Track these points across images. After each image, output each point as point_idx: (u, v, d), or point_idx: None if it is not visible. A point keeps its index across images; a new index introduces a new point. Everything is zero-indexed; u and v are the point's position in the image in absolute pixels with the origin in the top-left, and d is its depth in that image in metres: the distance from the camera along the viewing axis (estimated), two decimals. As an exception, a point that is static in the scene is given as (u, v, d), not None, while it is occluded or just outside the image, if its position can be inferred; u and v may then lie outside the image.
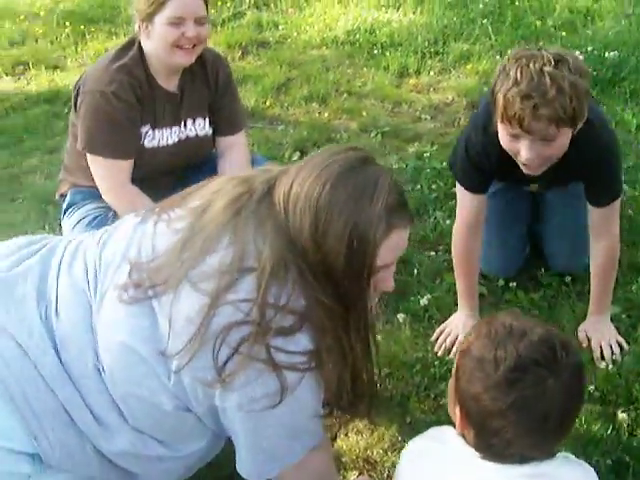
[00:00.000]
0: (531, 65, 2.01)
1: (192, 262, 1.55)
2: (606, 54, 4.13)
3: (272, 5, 5.34)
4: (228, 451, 1.69)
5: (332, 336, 1.56)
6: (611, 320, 2.55)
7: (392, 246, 1.57)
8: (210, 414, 1.60)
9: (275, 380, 1.50)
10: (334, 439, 2.24)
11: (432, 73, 4.32)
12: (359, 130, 3.88)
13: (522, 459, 1.42)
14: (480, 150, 2.34)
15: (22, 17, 5.42)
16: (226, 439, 1.69)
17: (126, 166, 2.63)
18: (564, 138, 2.11)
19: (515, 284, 2.74)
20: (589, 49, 4.21)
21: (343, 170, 1.53)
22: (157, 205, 1.79)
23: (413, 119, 3.95)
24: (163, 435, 1.63)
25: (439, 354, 2.50)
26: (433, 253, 2.95)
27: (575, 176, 2.39)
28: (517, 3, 4.92)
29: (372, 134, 3.82)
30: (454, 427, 1.51)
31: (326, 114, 4.05)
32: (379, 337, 2.51)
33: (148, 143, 2.67)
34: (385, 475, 2.13)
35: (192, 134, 2.76)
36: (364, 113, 4.01)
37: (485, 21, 4.71)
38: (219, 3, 5.25)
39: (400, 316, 2.65)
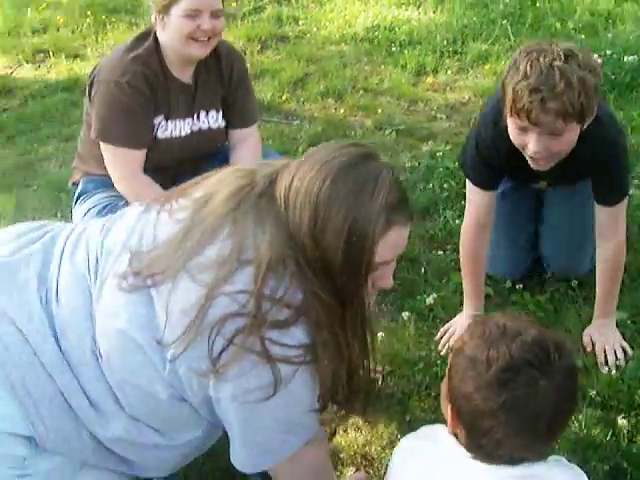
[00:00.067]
0: (541, 59, 2.03)
1: (191, 253, 1.55)
2: (625, 58, 4.10)
3: (293, 0, 5.35)
4: (225, 442, 1.70)
5: (328, 331, 1.56)
6: (617, 325, 2.54)
7: (391, 243, 1.56)
8: (205, 405, 1.61)
9: (269, 372, 1.51)
10: (333, 435, 2.25)
11: (449, 72, 4.31)
12: (374, 127, 3.88)
13: (512, 460, 1.42)
14: (490, 144, 2.35)
15: (44, 5, 5.47)
16: (223, 430, 1.70)
17: (139, 156, 2.64)
18: (572, 133, 2.12)
19: (522, 286, 2.74)
20: (608, 53, 4.17)
21: (344, 166, 1.53)
22: (162, 195, 1.81)
23: (428, 118, 3.95)
24: (158, 423, 1.64)
25: (442, 353, 2.50)
26: (441, 252, 2.95)
27: (583, 173, 2.39)
28: (538, 4, 4.90)
29: (387, 132, 3.82)
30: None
31: (342, 110, 4.05)
32: (382, 334, 2.54)
33: (161, 134, 2.68)
34: (382, 472, 2.13)
35: (205, 126, 2.77)
36: (380, 110, 4.01)
37: (505, 22, 4.69)
38: (240, -4, 5.28)
39: (405, 314, 2.66)
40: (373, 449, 2.21)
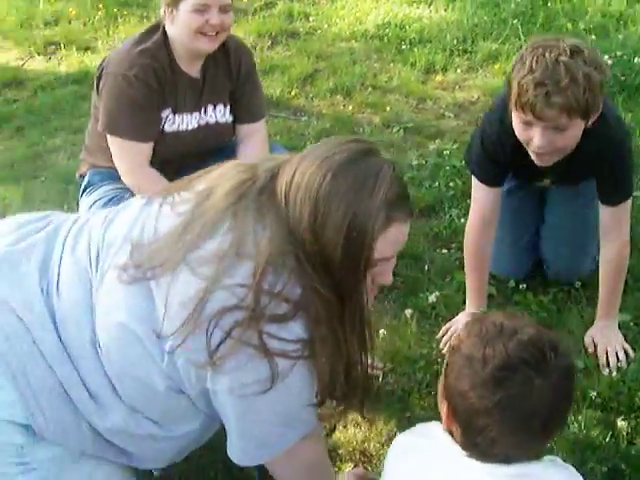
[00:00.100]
0: (547, 54, 2.05)
1: (191, 246, 1.56)
2: (635, 60, 4.08)
3: (304, -4, 5.36)
4: (223, 434, 1.70)
5: (327, 326, 1.56)
6: (619, 327, 2.54)
7: (391, 239, 1.57)
8: (203, 397, 1.61)
9: (266, 366, 1.51)
10: (332, 431, 2.26)
11: (459, 71, 4.30)
12: (382, 125, 3.88)
13: (507, 459, 1.42)
14: (495, 140, 2.36)
15: (57, -2, 5.49)
16: (221, 423, 1.70)
17: (145, 149, 2.65)
18: (576, 129, 2.13)
19: (525, 286, 2.73)
20: (618, 54, 4.16)
21: (344, 161, 1.53)
22: (164, 187, 1.82)
23: (437, 116, 3.95)
24: (156, 415, 1.65)
25: (444, 352, 2.50)
26: (445, 251, 2.95)
27: (587, 172, 2.40)
28: (549, 4, 4.89)
29: (395, 129, 3.82)
30: (445, 424, 1.52)
31: (350, 107, 4.05)
32: (384, 331, 2.55)
33: (168, 127, 2.69)
34: (380, 468, 2.11)
35: (212, 120, 2.78)
36: (388, 108, 4.01)
37: (516, 21, 4.67)
38: (252, -8, 5.28)
39: (407, 312, 2.66)
40: (372, 446, 2.21)
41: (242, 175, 1.63)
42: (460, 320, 2.57)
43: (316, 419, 1.75)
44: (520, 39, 4.51)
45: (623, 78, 3.93)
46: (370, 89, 4.20)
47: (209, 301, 1.50)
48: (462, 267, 2.66)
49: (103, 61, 2.71)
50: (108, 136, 2.65)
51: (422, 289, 2.77)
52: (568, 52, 2.04)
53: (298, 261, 1.53)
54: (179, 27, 2.58)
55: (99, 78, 2.68)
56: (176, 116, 2.69)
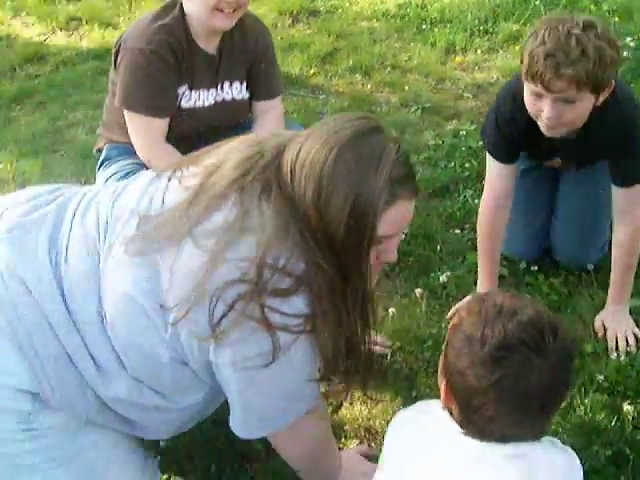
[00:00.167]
0: (560, 27, 2.07)
1: (197, 219, 1.58)
2: (657, 43, 4.05)
3: (327, -26, 5.32)
4: (227, 408, 1.73)
5: (329, 302, 1.57)
6: (630, 312, 2.53)
7: (395, 217, 1.57)
8: (206, 369, 1.63)
9: (268, 340, 1.53)
10: (339, 408, 2.27)
11: (479, 52, 4.27)
12: (400, 104, 3.87)
13: (504, 438, 1.43)
14: (508, 117, 2.37)
15: (80, -27, 5.50)
16: (224, 396, 1.72)
17: (161, 124, 2.66)
18: (585, 103, 2.14)
19: (537, 268, 2.73)
20: (640, 36, 4.12)
21: (350, 139, 1.54)
22: (174, 162, 1.83)
23: (455, 96, 3.93)
24: (160, 386, 1.67)
25: (453, 332, 2.51)
26: (459, 231, 2.95)
27: (598, 152, 2.39)
28: (573, -15, 4.82)
29: (412, 109, 3.81)
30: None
31: (369, 86, 4.04)
32: (393, 310, 2.56)
33: (185, 103, 2.70)
34: (384, 446, 2.16)
35: (229, 97, 2.78)
36: (406, 87, 4.00)
37: (538, 2, 4.60)
38: (274, -31, 5.25)
39: (418, 291, 2.67)
40: (377, 423, 2.23)
41: (249, 150, 1.64)
42: (470, 301, 2.57)
43: (319, 395, 1.77)
44: (542, 20, 4.45)
45: (644, 63, 3.88)
46: (389, 68, 4.19)
47: (212, 274, 1.52)
48: (474, 248, 2.67)
49: (121, 36, 2.72)
50: (125, 111, 2.66)
51: (434, 269, 2.77)
52: (581, 26, 2.06)
53: (302, 237, 1.54)
54: (196, 3, 2.58)
55: (117, 53, 2.69)
56: (192, 92, 2.70)
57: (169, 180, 1.71)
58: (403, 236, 2.87)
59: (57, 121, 3.91)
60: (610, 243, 2.55)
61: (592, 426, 2.17)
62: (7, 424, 1.61)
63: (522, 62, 2.15)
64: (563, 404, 2.21)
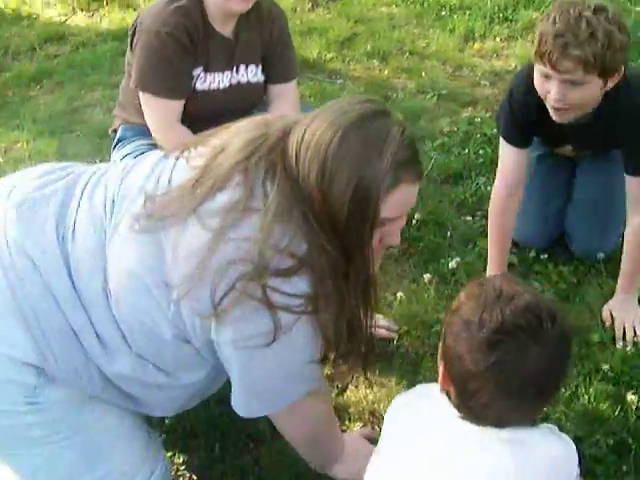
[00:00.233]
0: (571, 10, 2.09)
1: (201, 198, 1.59)
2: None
3: (347, -42, 5.30)
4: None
5: (331, 284, 1.58)
6: (639, 302, 2.52)
7: (398, 200, 1.57)
8: (208, 348, 1.65)
9: (269, 319, 1.54)
10: (344, 390, 2.30)
11: (498, 39, 4.25)
12: (416, 90, 3.86)
13: (500, 423, 1.43)
14: (521, 101, 2.38)
15: (101, -46, 5.51)
16: (227, 375, 1.74)
17: (176, 106, 2.68)
18: (593, 86, 2.14)
19: (546, 256, 2.72)
20: (663, 25, 4.08)
21: (355, 121, 1.54)
22: (183, 142, 1.85)
23: (472, 84, 3.91)
24: (163, 363, 1.69)
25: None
26: (470, 218, 2.95)
27: (610, 139, 2.39)
28: (596, -27, 4.77)
29: (428, 95, 3.80)
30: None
31: (386, 72, 4.04)
32: (402, 294, 2.57)
33: (200, 86, 2.71)
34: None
35: (244, 80, 2.78)
36: (423, 74, 3.99)
37: (559, -10, 4.58)
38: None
39: (427, 276, 2.67)
40: (381, 406, 2.24)
41: (255, 132, 1.65)
42: (479, 287, 2.58)
43: (321, 377, 1.79)
44: (563, 8, 4.42)
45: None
46: (407, 54, 4.18)
47: (215, 253, 1.53)
48: (485, 235, 2.67)
49: (137, 18, 2.73)
50: (140, 93, 2.68)
51: (443, 255, 2.78)
52: (592, 9, 2.08)
53: (305, 218, 1.55)
54: (213, -14, 2.59)
55: (133, 35, 2.70)
56: (207, 75, 2.71)
57: (177, 159, 1.73)
58: (414, 222, 2.88)
59: (75, 101, 3.94)
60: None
61: (595, 415, 2.17)
62: (12, 397, 1.64)
63: (534, 43, 2.17)
64: (567, 392, 2.22)
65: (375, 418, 2.23)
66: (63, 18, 4.79)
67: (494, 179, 2.62)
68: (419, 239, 2.84)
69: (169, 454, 2.12)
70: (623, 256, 2.49)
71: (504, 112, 2.48)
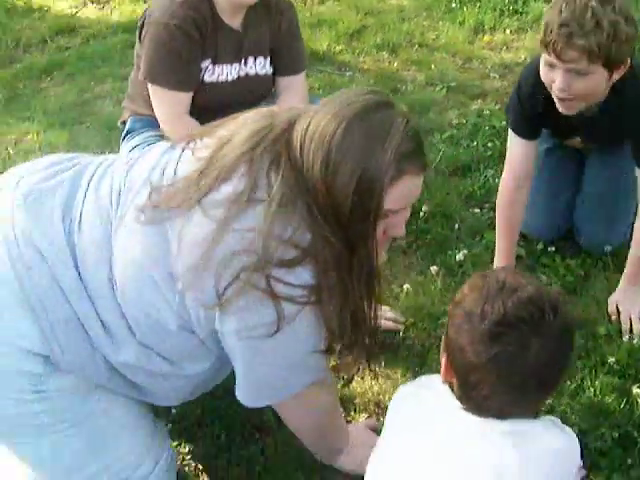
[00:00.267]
0: (578, 0, 2.09)
1: (207, 189, 1.60)
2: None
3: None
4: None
5: (335, 275, 1.59)
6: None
7: (402, 192, 1.58)
8: (212, 338, 1.66)
9: (272, 310, 1.55)
10: (350, 381, 2.31)
11: (508, 32, 4.23)
12: (425, 83, 3.86)
13: (501, 414, 1.44)
14: (529, 92, 2.38)
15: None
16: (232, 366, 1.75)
17: (184, 98, 2.68)
18: (597, 77, 2.14)
19: (554, 249, 2.72)
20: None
21: (359, 112, 1.55)
22: (189, 133, 1.86)
23: (481, 76, 3.90)
24: (168, 353, 1.70)
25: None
26: (478, 210, 2.95)
27: (617, 131, 2.38)
28: (609, -35, 4.74)
29: (438, 88, 3.79)
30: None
31: (395, 64, 4.03)
32: (408, 286, 2.57)
33: (208, 78, 2.71)
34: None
35: (252, 72, 2.79)
36: (433, 66, 3.98)
37: (570, -18, 4.55)
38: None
39: (433, 268, 2.68)
40: (387, 398, 2.24)
41: (260, 123, 1.66)
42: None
43: (325, 367, 1.79)
44: (574, 0, 4.40)
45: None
46: (417, 47, 4.17)
47: (219, 244, 1.54)
48: (493, 227, 2.66)
49: (146, 10, 2.74)
50: (148, 84, 2.69)
51: (451, 247, 2.77)
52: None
53: (309, 209, 1.56)
54: (221, -22, 2.59)
55: (142, 27, 2.71)
56: (216, 67, 2.71)
57: (183, 151, 1.74)
58: (421, 214, 2.89)
59: (85, 93, 3.95)
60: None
61: (601, 408, 2.17)
62: (18, 385, 1.65)
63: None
64: (573, 385, 2.22)
65: (380, 410, 2.23)
66: (74, 10, 4.81)
67: (502, 171, 2.62)
68: (426, 231, 2.84)
69: (175, 443, 2.13)
70: (631, 247, 2.48)
71: (512, 104, 2.49)
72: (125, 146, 2.84)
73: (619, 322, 2.45)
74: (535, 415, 1.50)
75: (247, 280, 1.53)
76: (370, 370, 2.06)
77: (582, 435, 2.06)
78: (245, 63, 2.77)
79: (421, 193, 2.78)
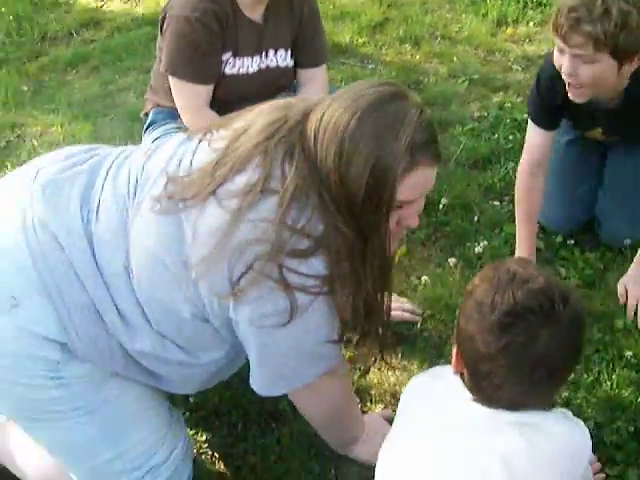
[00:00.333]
0: None
1: (221, 180, 1.62)
2: None
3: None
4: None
5: (348, 266, 1.60)
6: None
7: (415, 183, 1.58)
8: (226, 327, 1.68)
9: (285, 299, 1.57)
10: (367, 372, 2.32)
11: (531, 24, 4.20)
12: (448, 75, 3.84)
13: (512, 405, 1.44)
14: (549, 83, 2.39)
15: (138, -61, 5.55)
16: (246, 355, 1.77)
17: (204, 91, 2.70)
18: (604, 65, 2.14)
19: (573, 242, 2.71)
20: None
21: (372, 103, 1.55)
22: (207, 125, 1.87)
23: (504, 69, 3.88)
24: (183, 341, 1.72)
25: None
26: (497, 203, 2.94)
27: (638, 122, 2.37)
28: (635, -43, 4.69)
29: (460, 80, 3.77)
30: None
31: (417, 56, 4.01)
32: (427, 278, 2.58)
33: (229, 70, 2.73)
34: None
35: (273, 64, 2.80)
36: (455, 59, 3.96)
37: (595, -26, 4.51)
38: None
39: (452, 260, 2.68)
40: (403, 389, 2.24)
41: (275, 114, 1.68)
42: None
43: (339, 357, 1.81)
44: (599, -8, 4.36)
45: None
46: (439, 39, 4.15)
47: (233, 233, 1.56)
48: (513, 220, 2.65)
49: (168, 3, 2.76)
50: (169, 77, 2.71)
51: (470, 239, 2.77)
52: None
53: (322, 199, 1.57)
54: (242, -29, 2.60)
55: (163, 20, 2.73)
56: (236, 59, 2.73)
57: (199, 142, 1.75)
58: (441, 206, 2.89)
59: (109, 85, 3.99)
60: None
61: (617, 402, 2.16)
62: (36, 371, 1.68)
63: None
64: (590, 378, 2.22)
65: (396, 400, 2.22)
66: (100, 3, 4.84)
67: (522, 163, 2.62)
68: (446, 223, 2.84)
69: (192, 432, 2.15)
70: None
71: (532, 95, 2.51)
72: (147, 138, 2.87)
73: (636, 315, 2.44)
74: (550, 407, 1.50)
75: (261, 270, 1.55)
76: (383, 360, 2.07)
77: (598, 429, 2.06)
78: (266, 55, 2.78)
79: (441, 185, 2.80)
